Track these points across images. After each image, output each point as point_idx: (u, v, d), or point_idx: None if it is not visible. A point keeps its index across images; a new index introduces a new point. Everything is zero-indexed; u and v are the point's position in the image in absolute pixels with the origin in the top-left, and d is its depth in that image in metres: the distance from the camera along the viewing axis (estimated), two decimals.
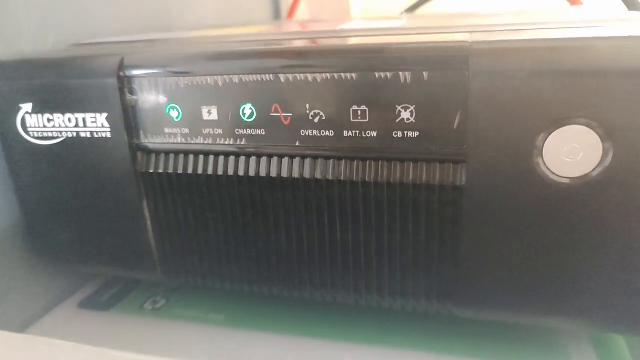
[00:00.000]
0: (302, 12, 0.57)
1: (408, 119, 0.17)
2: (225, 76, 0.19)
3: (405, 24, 0.23)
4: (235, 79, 0.19)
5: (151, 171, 0.21)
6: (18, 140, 0.22)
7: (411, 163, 0.18)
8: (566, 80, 0.15)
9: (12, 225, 0.24)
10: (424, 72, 0.17)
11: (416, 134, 0.17)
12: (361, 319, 0.24)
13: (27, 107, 0.21)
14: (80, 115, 0.21)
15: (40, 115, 0.21)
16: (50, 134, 0.22)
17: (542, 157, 0.16)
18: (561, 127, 0.16)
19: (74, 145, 0.21)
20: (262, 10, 0.47)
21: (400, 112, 0.17)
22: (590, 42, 0.15)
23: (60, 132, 0.21)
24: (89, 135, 0.21)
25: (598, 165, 0.16)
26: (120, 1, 0.30)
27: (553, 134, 0.16)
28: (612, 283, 0.17)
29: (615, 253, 0.17)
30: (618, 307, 0.17)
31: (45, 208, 0.23)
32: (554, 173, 0.16)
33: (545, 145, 0.16)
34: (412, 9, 0.37)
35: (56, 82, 0.21)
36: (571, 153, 0.16)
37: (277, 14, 0.48)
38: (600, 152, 0.16)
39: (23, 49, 0.24)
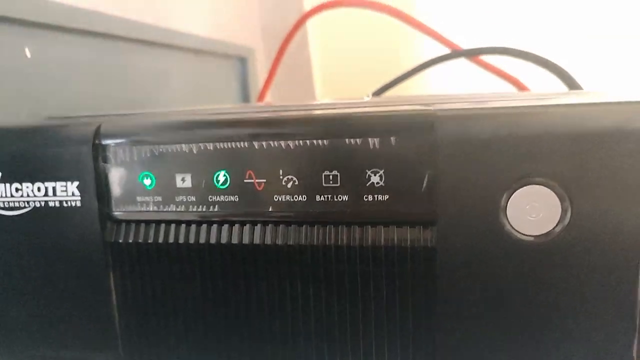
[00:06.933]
0: (270, 100, 0.60)
1: (378, 183, 0.18)
2: (200, 144, 0.19)
3: (370, 101, 0.25)
4: (210, 146, 0.19)
5: (120, 241, 0.21)
6: None
7: (382, 226, 0.18)
8: (523, 143, 0.17)
9: None
10: (392, 138, 0.18)
11: (386, 197, 0.18)
12: None
13: None
14: (50, 184, 0.21)
15: (7, 185, 0.21)
16: (16, 204, 0.21)
17: (507, 216, 0.17)
18: (522, 187, 0.17)
19: (41, 215, 0.21)
20: (232, 97, 0.49)
21: (370, 176, 0.18)
22: (544, 109, 0.17)
23: (28, 201, 0.21)
24: (57, 204, 0.21)
25: (558, 223, 0.17)
26: (96, 79, 0.31)
27: (515, 193, 0.17)
28: (583, 340, 0.17)
29: (586, 310, 0.17)
30: None
31: (4, 284, 0.22)
32: (518, 231, 0.17)
33: (508, 204, 0.17)
34: (378, 92, 0.40)
35: (28, 150, 0.21)
36: (533, 211, 0.17)
37: (246, 100, 0.50)
38: (559, 210, 0.17)
39: None
